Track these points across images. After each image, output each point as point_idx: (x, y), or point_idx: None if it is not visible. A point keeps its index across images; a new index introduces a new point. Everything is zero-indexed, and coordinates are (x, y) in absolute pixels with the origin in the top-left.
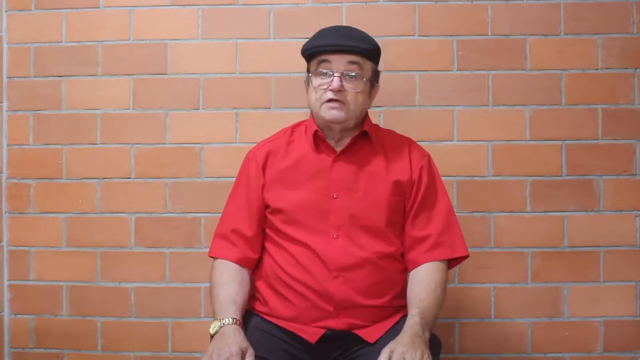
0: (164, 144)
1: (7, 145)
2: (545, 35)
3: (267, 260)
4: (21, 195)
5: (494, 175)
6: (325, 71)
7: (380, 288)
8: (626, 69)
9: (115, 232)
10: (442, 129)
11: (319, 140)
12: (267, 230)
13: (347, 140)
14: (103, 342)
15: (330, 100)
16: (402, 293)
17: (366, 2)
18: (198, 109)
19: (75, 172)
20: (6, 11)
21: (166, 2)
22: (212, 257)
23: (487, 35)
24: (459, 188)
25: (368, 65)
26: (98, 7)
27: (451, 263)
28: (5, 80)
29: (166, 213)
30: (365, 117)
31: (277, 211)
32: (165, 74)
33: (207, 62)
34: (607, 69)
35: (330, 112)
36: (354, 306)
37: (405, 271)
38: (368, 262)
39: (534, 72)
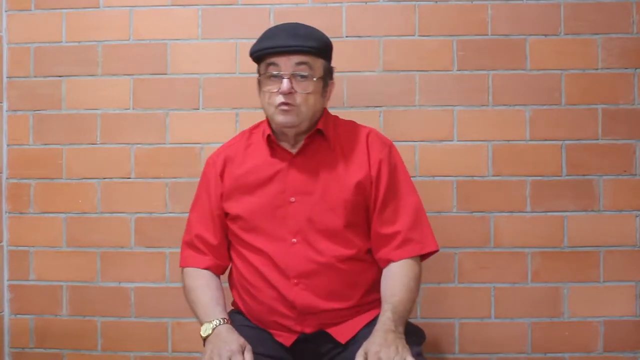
0: (164, 144)
1: (7, 145)
2: (545, 35)
3: (234, 268)
4: (21, 195)
5: (494, 175)
6: (274, 73)
7: (344, 291)
8: (626, 69)
9: (115, 232)
10: (442, 129)
11: (273, 144)
12: (230, 238)
13: (302, 142)
14: (103, 342)
15: (281, 104)
16: (372, 289)
17: (366, 2)
18: (198, 109)
19: (75, 172)
20: (6, 11)
21: (166, 2)
22: (183, 267)
23: (487, 35)
24: (459, 188)
25: (319, 63)
26: (98, 7)
27: (422, 257)
28: (5, 80)
29: (166, 213)
30: (320, 116)
31: (235, 218)
32: (165, 74)
33: (207, 62)
34: (607, 69)
35: (282, 117)
36: (318, 311)
37: (373, 267)
38: (328, 268)
39: (534, 72)
